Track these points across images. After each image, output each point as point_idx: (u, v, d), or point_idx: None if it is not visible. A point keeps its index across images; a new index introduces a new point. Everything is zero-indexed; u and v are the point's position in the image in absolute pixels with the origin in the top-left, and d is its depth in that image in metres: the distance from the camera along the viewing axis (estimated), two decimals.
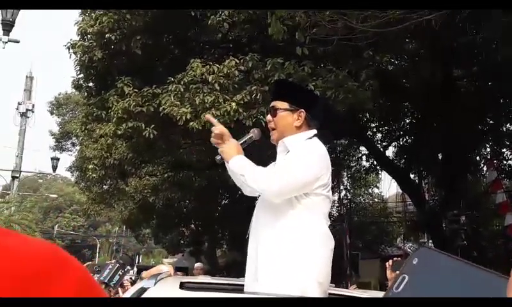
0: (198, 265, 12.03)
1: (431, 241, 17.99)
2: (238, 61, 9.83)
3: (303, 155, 2.81)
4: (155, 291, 3.44)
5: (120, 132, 10.75)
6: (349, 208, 21.70)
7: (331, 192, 2.91)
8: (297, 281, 2.67)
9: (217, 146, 2.99)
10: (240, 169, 2.81)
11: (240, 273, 3.12)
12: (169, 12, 10.32)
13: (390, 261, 4.05)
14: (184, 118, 9.64)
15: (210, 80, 9.67)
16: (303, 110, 2.96)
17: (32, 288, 0.49)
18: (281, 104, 2.99)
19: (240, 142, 2.98)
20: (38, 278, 0.50)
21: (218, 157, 2.95)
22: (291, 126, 2.95)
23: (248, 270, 2.89)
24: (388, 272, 4.01)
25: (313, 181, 2.77)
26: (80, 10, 11.93)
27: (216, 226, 22.71)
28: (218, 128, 2.98)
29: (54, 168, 27.55)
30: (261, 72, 9.73)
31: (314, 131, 2.97)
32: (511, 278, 0.81)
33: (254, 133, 3.08)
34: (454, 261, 0.93)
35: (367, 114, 14.31)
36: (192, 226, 24.08)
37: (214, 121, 3.09)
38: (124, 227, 36.64)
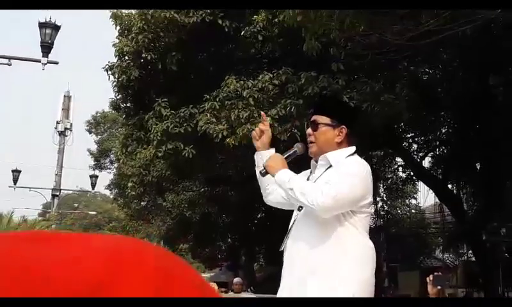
0: (237, 280, 12.02)
1: (470, 252, 17.68)
2: (272, 76, 9.91)
3: (353, 173, 2.81)
4: None
5: (160, 154, 10.93)
6: (386, 220, 21.51)
7: (373, 209, 2.92)
8: (342, 294, 2.67)
9: (255, 144, 3.13)
10: (288, 182, 2.79)
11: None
12: (202, 28, 10.47)
13: (431, 276, 4.00)
14: (220, 135, 9.77)
15: (244, 95, 9.77)
16: (344, 126, 2.95)
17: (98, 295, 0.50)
18: (322, 119, 2.98)
19: (285, 156, 2.99)
20: (101, 285, 0.50)
21: (263, 170, 2.96)
22: (332, 141, 2.94)
23: (285, 282, 2.89)
24: (430, 287, 3.97)
25: (361, 199, 2.79)
26: (117, 32, 12.15)
27: (252, 240, 22.74)
28: (265, 128, 3.14)
29: (93, 186, 27.98)
30: (295, 86, 9.78)
31: (354, 147, 2.98)
32: None
33: (298, 147, 3.10)
34: None
35: (402, 125, 14.20)
36: (229, 240, 24.13)
37: (266, 123, 3.21)
38: (162, 242, 36.91)
